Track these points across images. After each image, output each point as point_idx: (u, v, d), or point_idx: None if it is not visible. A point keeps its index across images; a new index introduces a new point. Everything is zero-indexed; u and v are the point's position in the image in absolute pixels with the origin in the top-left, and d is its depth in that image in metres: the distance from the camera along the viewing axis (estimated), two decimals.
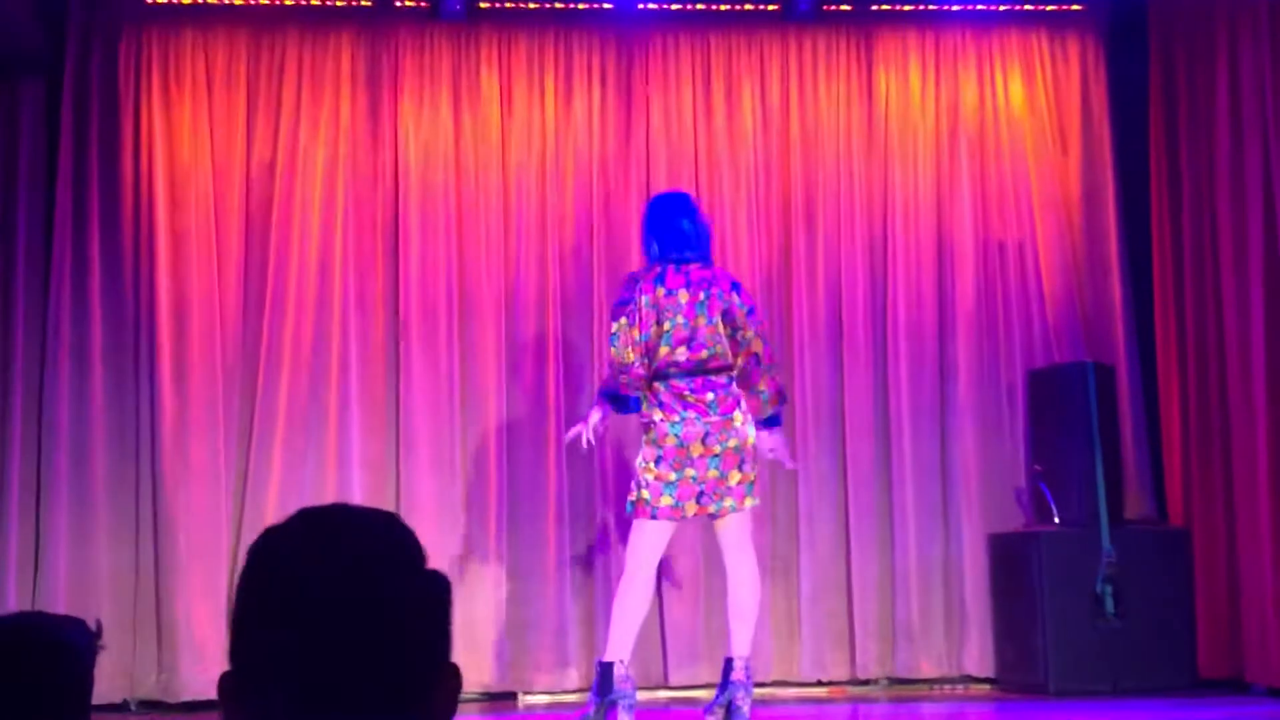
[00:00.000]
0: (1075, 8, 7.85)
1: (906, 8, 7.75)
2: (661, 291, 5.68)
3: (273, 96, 7.41)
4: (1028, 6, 7.80)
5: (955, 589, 7.42)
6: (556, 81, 7.57)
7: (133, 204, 7.24)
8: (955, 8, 7.72)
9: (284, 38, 7.45)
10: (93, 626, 2.23)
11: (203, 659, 6.83)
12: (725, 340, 5.72)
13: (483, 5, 7.57)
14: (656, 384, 5.72)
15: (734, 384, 5.74)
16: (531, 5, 7.65)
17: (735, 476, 5.68)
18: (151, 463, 7.07)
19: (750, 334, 5.73)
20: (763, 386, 5.74)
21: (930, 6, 7.72)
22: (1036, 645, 6.93)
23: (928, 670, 7.40)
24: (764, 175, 7.63)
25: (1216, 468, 7.05)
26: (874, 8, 7.76)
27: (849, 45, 7.74)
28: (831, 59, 7.72)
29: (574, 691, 7.08)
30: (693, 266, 5.74)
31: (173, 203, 7.26)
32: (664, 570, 6.74)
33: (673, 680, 7.23)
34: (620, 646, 5.70)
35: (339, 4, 7.55)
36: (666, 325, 5.67)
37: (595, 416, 5.93)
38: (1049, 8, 7.83)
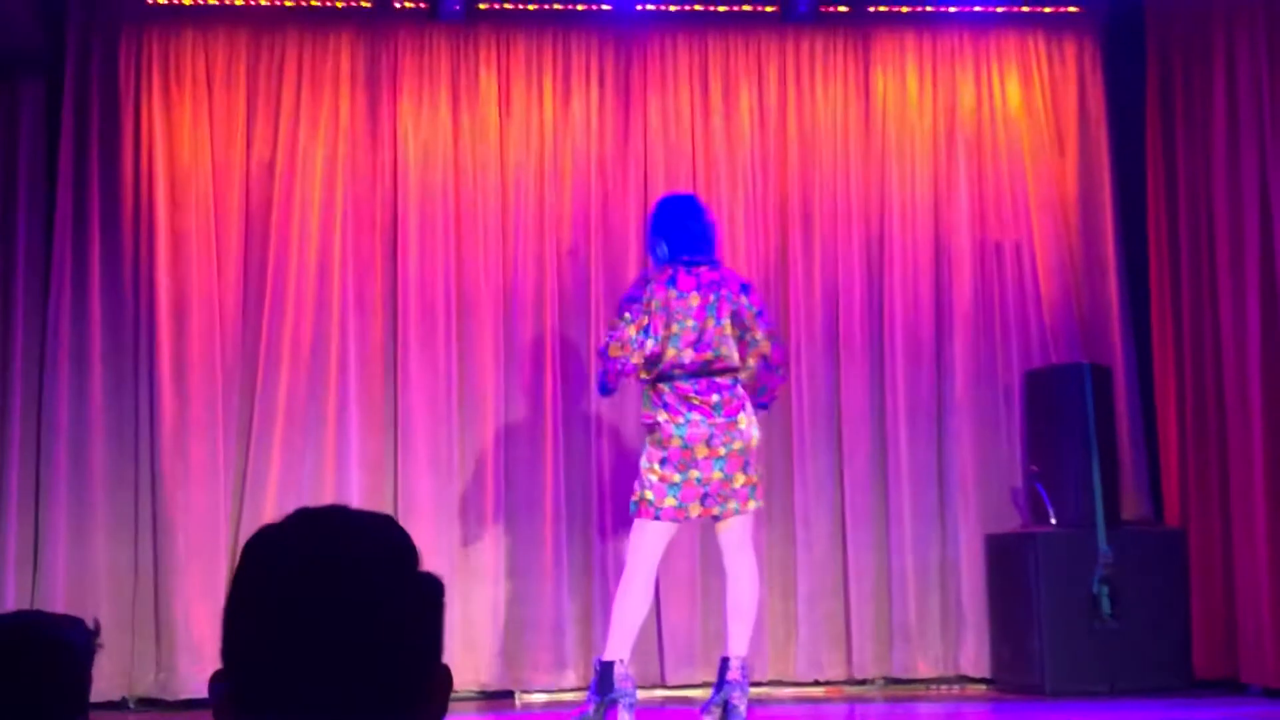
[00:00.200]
0: (1072, 10, 7.86)
1: (904, 9, 7.76)
2: (673, 294, 5.70)
3: (272, 96, 7.42)
4: (1025, 8, 7.81)
5: (952, 589, 7.43)
6: (555, 82, 7.58)
7: (132, 204, 7.25)
8: (952, 9, 7.73)
9: (284, 38, 7.46)
10: (91, 625, 2.24)
11: (201, 658, 6.83)
12: (733, 342, 5.74)
13: (482, 6, 7.58)
14: (661, 385, 5.73)
15: (739, 386, 5.76)
16: (530, 6, 7.66)
17: (740, 479, 5.70)
18: (150, 462, 7.08)
19: (759, 335, 5.76)
20: (764, 384, 5.78)
21: (928, 8, 7.73)
22: (1033, 646, 6.94)
23: (924, 670, 7.41)
24: (761, 176, 7.64)
25: (1213, 469, 7.06)
26: (871, 9, 7.77)
27: (846, 47, 7.75)
28: (829, 60, 7.73)
29: (571, 690, 7.09)
30: (703, 269, 5.77)
31: (172, 202, 7.27)
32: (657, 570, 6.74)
33: (669, 680, 7.24)
34: (620, 646, 5.71)
35: (338, 5, 7.56)
36: (675, 328, 5.68)
37: None
38: (1046, 10, 7.84)
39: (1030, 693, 6.95)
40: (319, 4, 7.55)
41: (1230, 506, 6.92)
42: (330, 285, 7.32)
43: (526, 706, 7.12)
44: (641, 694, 6.70)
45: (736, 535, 5.81)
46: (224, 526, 7.05)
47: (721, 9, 7.75)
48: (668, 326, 5.69)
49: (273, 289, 7.27)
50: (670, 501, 5.67)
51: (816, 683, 7.37)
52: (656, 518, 5.69)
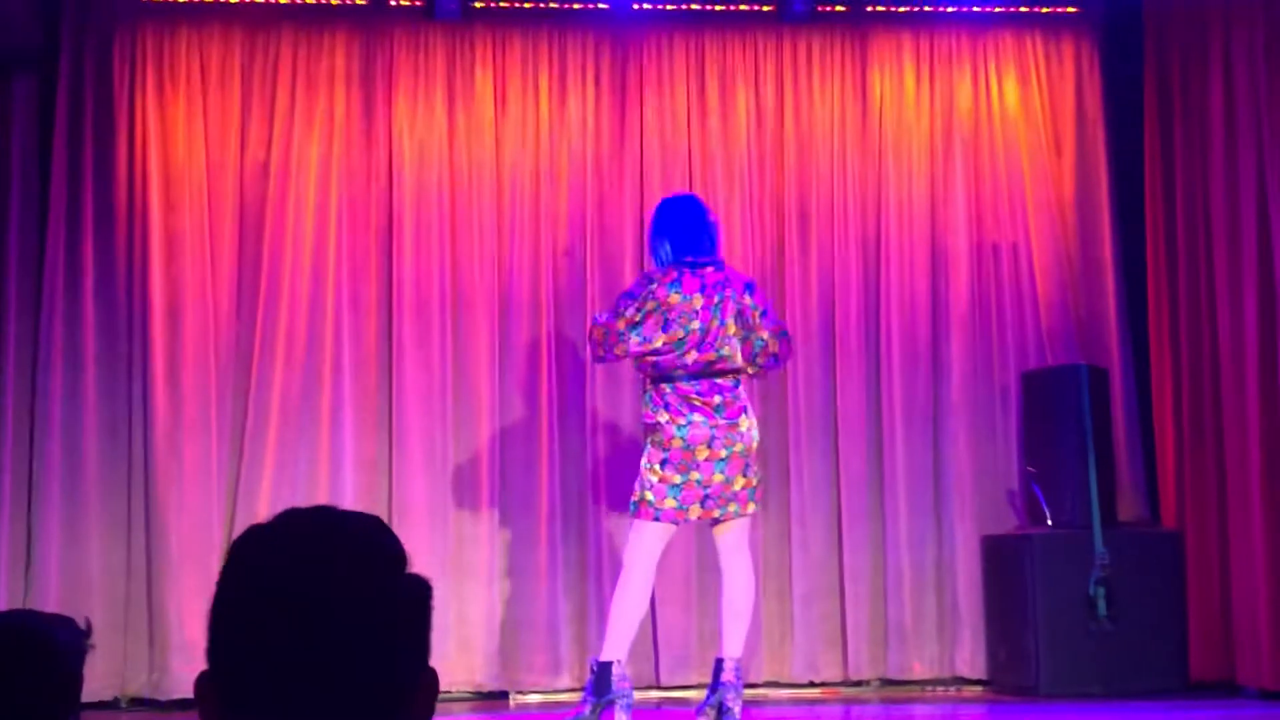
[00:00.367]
0: (1070, 10, 7.85)
1: (901, 9, 7.75)
2: (676, 297, 5.69)
3: (267, 95, 7.40)
4: (1022, 9, 7.80)
5: (948, 591, 7.42)
6: (551, 81, 7.56)
7: (126, 202, 7.23)
8: (950, 9, 7.72)
9: (279, 36, 7.44)
10: (82, 625, 2.22)
11: (194, 658, 6.81)
12: (736, 343, 5.74)
13: (477, 4, 7.57)
14: (663, 385, 5.73)
15: (740, 387, 5.77)
16: (526, 5, 7.65)
17: (740, 481, 5.70)
18: (144, 462, 7.06)
19: (765, 335, 5.77)
20: (771, 372, 5.98)
21: (925, 8, 7.72)
22: (1029, 647, 6.93)
23: (920, 672, 7.40)
24: (758, 176, 7.63)
25: (1209, 471, 7.05)
26: (869, 9, 7.76)
27: (844, 46, 7.74)
28: (826, 60, 7.72)
29: (566, 691, 7.08)
30: (708, 270, 5.76)
31: (167, 201, 7.25)
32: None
33: (664, 681, 7.23)
34: (617, 646, 5.70)
35: (334, 2, 7.55)
36: (680, 332, 5.68)
37: None
38: (1044, 10, 7.83)
39: (1026, 694, 6.94)
40: (314, 2, 7.53)
41: (1227, 508, 6.91)
42: (325, 285, 7.30)
43: (521, 707, 7.11)
44: (636, 695, 6.69)
45: (734, 537, 5.80)
46: (217, 527, 7.03)
47: (718, 8, 7.74)
48: (668, 328, 5.68)
49: (267, 288, 7.26)
50: (670, 503, 5.66)
51: (812, 684, 7.36)
52: (656, 519, 5.68)
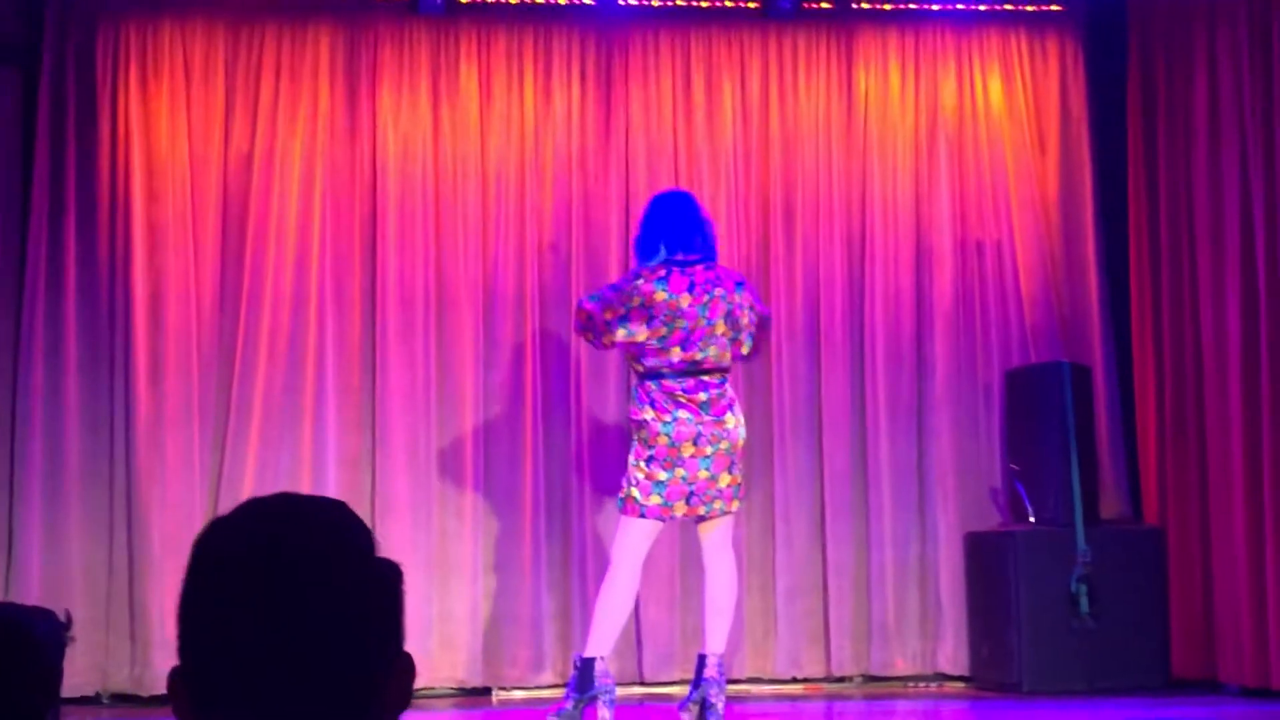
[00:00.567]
0: (1054, 8, 7.86)
1: (887, 6, 7.75)
2: (662, 294, 5.68)
3: (251, 89, 7.37)
4: (1007, 6, 7.81)
5: (931, 587, 7.43)
6: (536, 77, 7.55)
7: (109, 195, 7.21)
8: (935, 7, 7.72)
9: (262, 30, 7.41)
10: (62, 618, 2.21)
11: (175, 653, 6.78)
12: (725, 342, 5.74)
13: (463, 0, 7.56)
14: (648, 383, 5.73)
15: (726, 384, 5.77)
16: (512, 0, 7.63)
17: (725, 479, 5.70)
18: (126, 456, 7.04)
19: (746, 337, 5.80)
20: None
21: (910, 6, 7.73)
22: (1011, 644, 6.94)
23: (903, 668, 7.41)
24: (743, 172, 7.63)
25: (1192, 468, 7.07)
26: (854, 6, 7.76)
27: (829, 43, 7.74)
28: (811, 57, 7.72)
29: (549, 687, 7.07)
30: (696, 269, 5.75)
31: (149, 195, 7.23)
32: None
33: (647, 677, 7.23)
34: (602, 643, 5.70)
35: None
36: (663, 329, 5.68)
37: None
38: (1028, 8, 7.84)
39: (1008, 691, 6.95)
40: None
41: (1209, 505, 6.93)
42: (308, 279, 7.29)
43: (504, 703, 7.10)
44: (619, 691, 6.68)
45: (719, 534, 5.81)
46: (199, 521, 6.98)
47: (704, 4, 7.73)
48: (651, 324, 5.68)
49: (250, 283, 7.24)
50: (656, 499, 5.66)
51: (795, 680, 7.36)
52: (642, 515, 5.68)
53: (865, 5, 7.77)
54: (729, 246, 7.48)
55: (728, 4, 7.74)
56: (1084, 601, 6.87)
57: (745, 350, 5.90)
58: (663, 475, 5.65)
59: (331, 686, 1.36)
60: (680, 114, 7.61)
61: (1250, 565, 6.62)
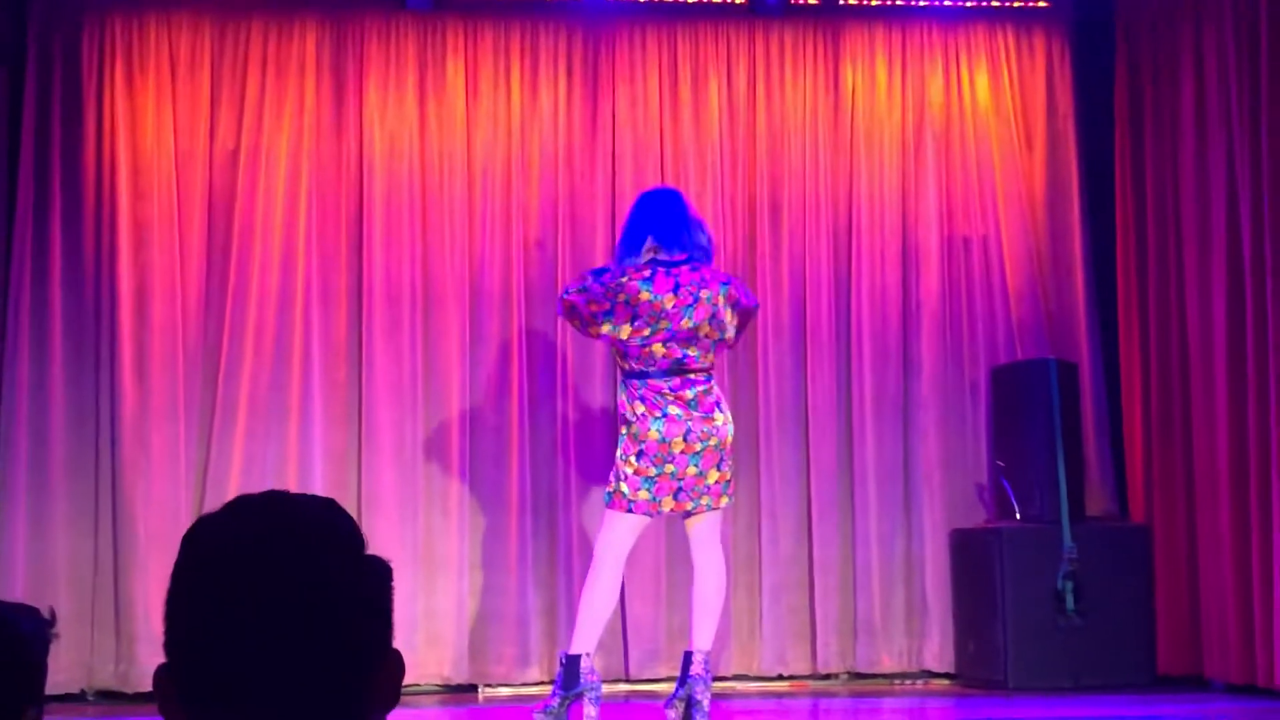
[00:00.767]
0: (1041, 5, 7.87)
1: (874, 3, 7.76)
2: (647, 294, 5.67)
3: (236, 84, 7.36)
4: (994, 3, 7.81)
5: (917, 584, 7.44)
6: (523, 73, 7.54)
7: (94, 191, 7.19)
8: (922, 4, 7.73)
9: (248, 25, 7.40)
10: (46, 615, 2.20)
11: (161, 650, 6.76)
12: (709, 343, 5.74)
13: None
14: (635, 381, 5.73)
15: (712, 382, 5.77)
16: None
17: (713, 475, 5.70)
18: (111, 452, 7.02)
19: (741, 319, 5.83)
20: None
21: (897, 2, 7.73)
22: (997, 641, 6.95)
23: (888, 665, 7.41)
24: (730, 169, 7.63)
25: (1178, 465, 7.08)
26: (841, 2, 7.77)
27: (816, 40, 7.73)
28: (798, 53, 7.71)
29: (536, 685, 7.07)
30: (682, 270, 5.74)
31: (135, 190, 7.21)
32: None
33: (633, 674, 7.23)
34: (586, 639, 5.69)
35: None
36: (646, 329, 5.67)
37: None
38: (1015, 4, 7.84)
39: (994, 688, 6.96)
40: None
41: (1195, 502, 6.94)
42: (294, 275, 7.27)
43: (490, 700, 7.09)
44: (605, 688, 6.68)
45: (706, 530, 5.80)
46: (185, 518, 6.98)
47: (690, 0, 7.73)
48: (635, 322, 5.68)
49: (236, 279, 7.22)
50: (644, 495, 5.66)
51: (780, 677, 7.36)
52: (630, 510, 5.68)
53: (852, 2, 7.78)
54: (715, 243, 7.48)
55: (714, 0, 7.73)
56: (1070, 598, 6.88)
57: (730, 342, 5.94)
58: (652, 471, 5.65)
59: (320, 685, 1.35)
60: (667, 110, 7.60)
61: (1236, 562, 6.63)
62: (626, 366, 5.78)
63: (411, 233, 7.36)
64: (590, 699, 5.63)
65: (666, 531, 6.98)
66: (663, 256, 5.76)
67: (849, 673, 7.41)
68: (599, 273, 5.85)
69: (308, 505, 1.42)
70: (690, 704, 5.64)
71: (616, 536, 5.74)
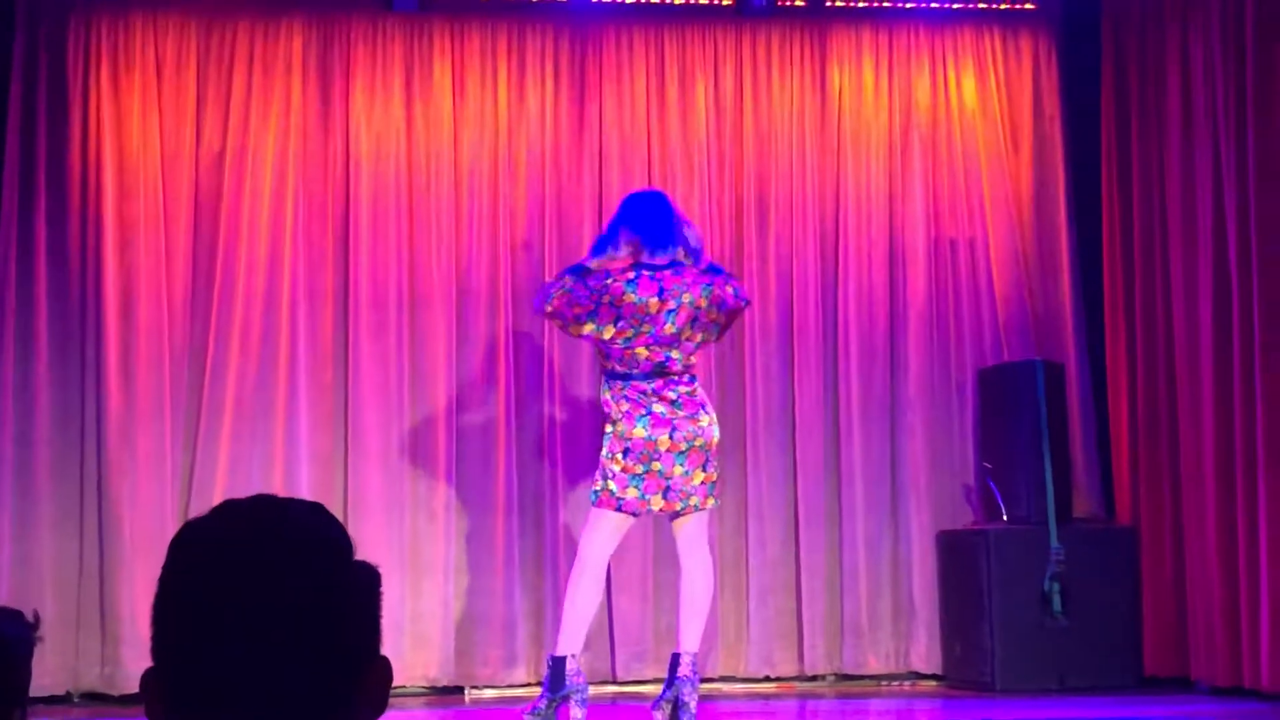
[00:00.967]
0: (1028, 6, 7.87)
1: (861, 4, 7.76)
2: (632, 296, 5.67)
3: (223, 84, 7.34)
4: (981, 5, 7.82)
5: (904, 586, 7.44)
6: (509, 74, 7.53)
7: (80, 191, 7.17)
8: (909, 5, 7.73)
9: (235, 25, 7.38)
10: (30, 618, 2.19)
11: (147, 652, 6.58)
12: (691, 345, 5.74)
13: None
14: (617, 383, 5.73)
15: (696, 383, 5.78)
16: None
17: (699, 476, 5.69)
18: (97, 454, 7.00)
19: (727, 319, 5.82)
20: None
21: (884, 4, 7.74)
22: (984, 642, 6.95)
23: (875, 666, 7.41)
24: (717, 170, 7.62)
25: (1164, 467, 7.08)
26: (828, 4, 7.77)
27: (803, 41, 7.74)
28: (785, 54, 7.72)
29: (522, 686, 7.06)
30: (665, 273, 5.74)
31: (121, 191, 7.19)
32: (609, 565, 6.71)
33: (620, 675, 7.22)
34: (571, 640, 5.68)
35: None
36: (629, 331, 5.67)
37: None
38: (1002, 6, 7.85)
39: (981, 689, 6.96)
40: None
41: (1181, 504, 6.95)
42: (280, 276, 7.26)
43: (476, 703, 7.08)
44: (592, 689, 6.67)
45: (693, 531, 5.79)
46: (170, 520, 6.97)
47: (678, 2, 7.73)
48: (618, 323, 5.67)
49: (222, 279, 7.20)
50: (633, 492, 5.65)
51: (768, 679, 7.36)
52: (618, 509, 5.67)
53: (839, 3, 7.78)
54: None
55: (702, 1, 7.73)
56: (1056, 600, 6.89)
57: (713, 339, 5.96)
58: (639, 469, 5.64)
59: (307, 689, 1.34)
60: (654, 111, 7.60)
61: (1222, 564, 6.63)
62: (609, 367, 5.78)
63: (398, 234, 7.35)
64: (576, 701, 5.63)
65: (654, 533, 6.98)
66: (646, 259, 5.75)
67: (836, 674, 7.41)
68: (578, 272, 5.81)
69: (296, 510, 1.42)
70: (677, 705, 5.64)
71: (603, 535, 5.73)
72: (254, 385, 7.17)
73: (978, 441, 7.52)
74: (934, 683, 7.38)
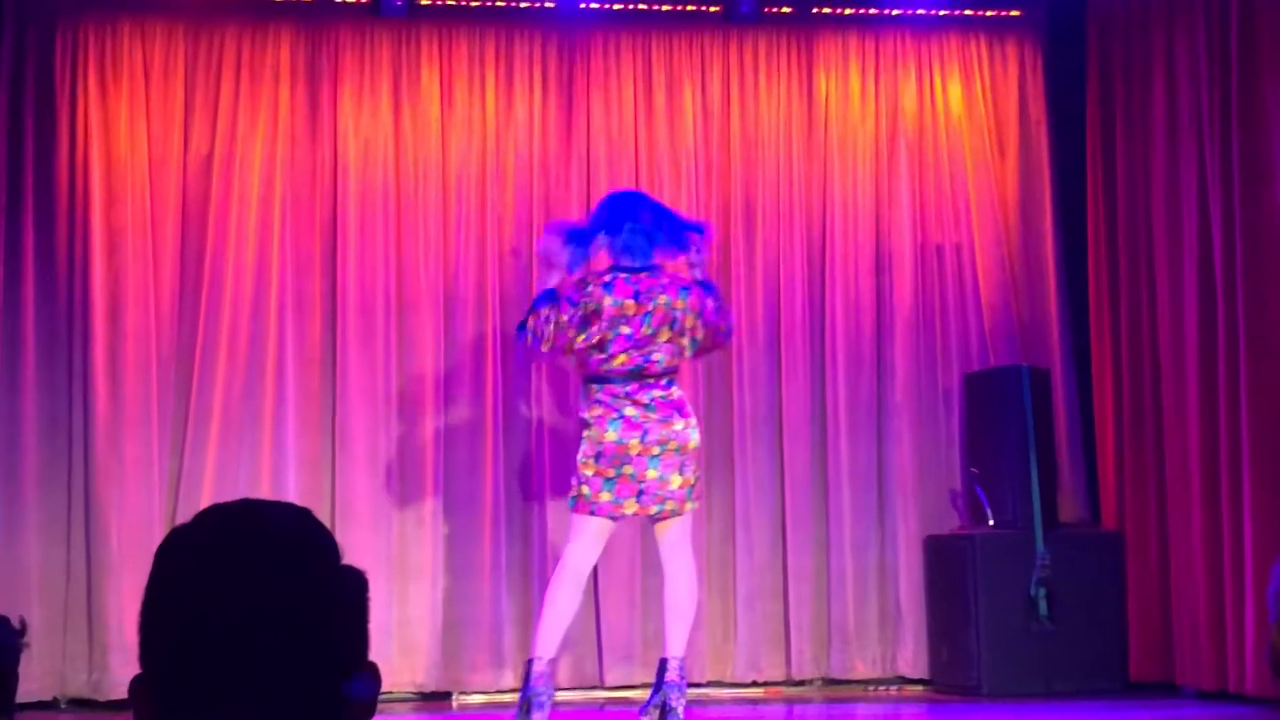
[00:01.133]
0: (1014, 13, 7.89)
1: (847, 11, 7.78)
2: (609, 299, 5.68)
3: (211, 90, 7.34)
4: (967, 12, 7.84)
5: (890, 591, 7.45)
6: (497, 80, 7.54)
7: (67, 197, 7.16)
8: (895, 12, 7.75)
9: (223, 31, 7.38)
10: (17, 624, 2.20)
11: (134, 658, 6.60)
12: (670, 348, 5.74)
13: (423, 2, 7.53)
14: (593, 386, 5.74)
15: (674, 387, 5.77)
16: (473, 3, 7.62)
17: (676, 480, 5.69)
18: (84, 460, 6.99)
19: (700, 334, 5.78)
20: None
21: (871, 11, 7.75)
22: (970, 647, 6.96)
23: (862, 671, 7.42)
24: (704, 176, 7.64)
25: (1150, 471, 7.10)
26: (815, 11, 7.78)
27: (790, 48, 7.75)
28: (772, 61, 7.73)
29: (509, 691, 7.04)
30: (642, 275, 5.74)
31: (108, 196, 7.19)
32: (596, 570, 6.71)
33: (607, 680, 7.22)
34: (547, 643, 5.66)
35: None
36: (609, 334, 5.67)
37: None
38: (988, 13, 7.87)
39: (967, 694, 6.97)
40: None
41: (1167, 509, 6.96)
42: (268, 282, 7.25)
43: (464, 708, 7.08)
44: (579, 695, 6.69)
45: (674, 535, 5.79)
46: (158, 526, 6.96)
47: (665, 8, 7.74)
48: (598, 327, 5.68)
49: (210, 285, 7.20)
50: (606, 496, 5.65)
51: (755, 684, 7.37)
52: (593, 513, 5.67)
53: (826, 10, 7.79)
54: None
55: (689, 8, 7.74)
56: (1043, 605, 6.90)
57: (688, 355, 5.89)
58: (611, 472, 5.64)
59: (296, 694, 1.35)
60: (641, 118, 7.61)
61: (1207, 569, 6.65)
62: (587, 370, 5.79)
63: (386, 239, 7.36)
64: (536, 704, 5.56)
65: (640, 539, 6.98)
66: (625, 263, 5.76)
67: (823, 679, 7.42)
68: (551, 298, 5.74)
69: (282, 514, 1.42)
70: (665, 711, 5.64)
71: (584, 540, 5.73)
72: (241, 391, 7.16)
73: (964, 447, 7.53)
74: (921, 688, 7.39)
